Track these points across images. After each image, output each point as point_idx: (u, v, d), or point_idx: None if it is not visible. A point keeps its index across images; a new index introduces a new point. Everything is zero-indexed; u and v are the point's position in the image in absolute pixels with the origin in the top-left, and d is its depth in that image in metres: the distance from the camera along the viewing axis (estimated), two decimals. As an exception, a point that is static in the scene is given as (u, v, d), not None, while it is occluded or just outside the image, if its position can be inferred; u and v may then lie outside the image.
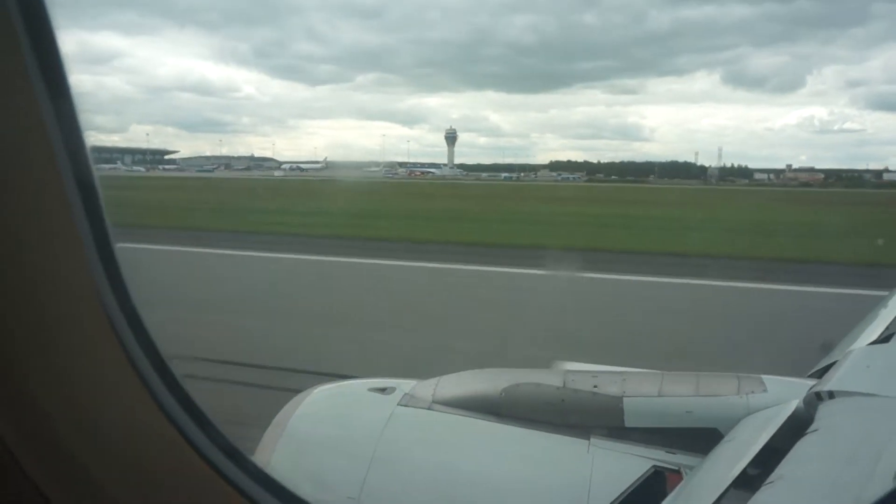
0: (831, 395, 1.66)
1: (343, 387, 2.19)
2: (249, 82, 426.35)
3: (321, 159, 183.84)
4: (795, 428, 1.58)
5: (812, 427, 1.55)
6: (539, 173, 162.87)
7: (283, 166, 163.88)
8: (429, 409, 1.92)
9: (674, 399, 1.88)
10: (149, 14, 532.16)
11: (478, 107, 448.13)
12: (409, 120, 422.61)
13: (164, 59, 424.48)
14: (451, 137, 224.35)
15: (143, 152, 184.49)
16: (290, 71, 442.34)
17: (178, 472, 0.89)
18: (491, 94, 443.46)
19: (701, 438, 1.78)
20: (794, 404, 1.72)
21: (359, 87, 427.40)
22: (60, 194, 0.76)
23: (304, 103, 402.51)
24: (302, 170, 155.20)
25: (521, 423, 1.87)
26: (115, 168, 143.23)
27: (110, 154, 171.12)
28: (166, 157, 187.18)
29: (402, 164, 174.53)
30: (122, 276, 0.84)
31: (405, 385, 2.03)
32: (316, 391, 2.07)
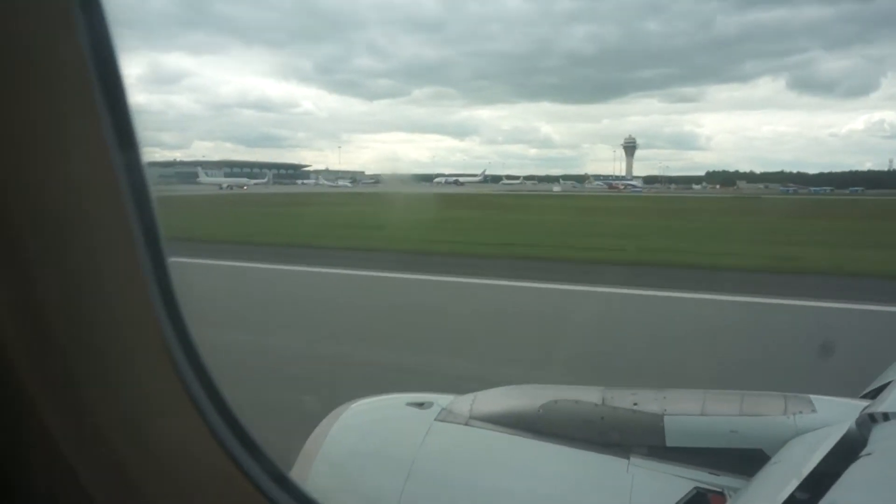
0: (886, 416, 1.58)
1: (380, 401, 2.18)
2: (308, 98, 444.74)
3: (479, 172, 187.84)
4: (847, 451, 1.50)
5: (865, 450, 1.47)
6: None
7: (437, 179, 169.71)
8: (466, 424, 1.91)
9: (717, 418, 1.82)
10: (218, 33, 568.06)
11: (529, 118, 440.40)
12: (460, 132, 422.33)
13: (229, 77, 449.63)
14: (630, 147, 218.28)
15: (282, 167, 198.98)
16: (349, 86, 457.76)
17: (227, 495, 0.92)
18: (545, 105, 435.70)
19: (746, 460, 1.72)
20: (845, 426, 1.63)
21: (414, 100, 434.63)
22: (117, 206, 0.78)
23: (359, 117, 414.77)
24: (460, 183, 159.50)
25: (560, 440, 1.84)
26: (306, 183, 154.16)
27: (259, 169, 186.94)
28: (302, 170, 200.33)
29: (597, 178, 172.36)
30: (177, 303, 0.86)
31: (442, 400, 2.02)
32: (354, 405, 2.07)
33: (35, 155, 0.72)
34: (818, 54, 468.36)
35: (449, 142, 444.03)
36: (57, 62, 0.72)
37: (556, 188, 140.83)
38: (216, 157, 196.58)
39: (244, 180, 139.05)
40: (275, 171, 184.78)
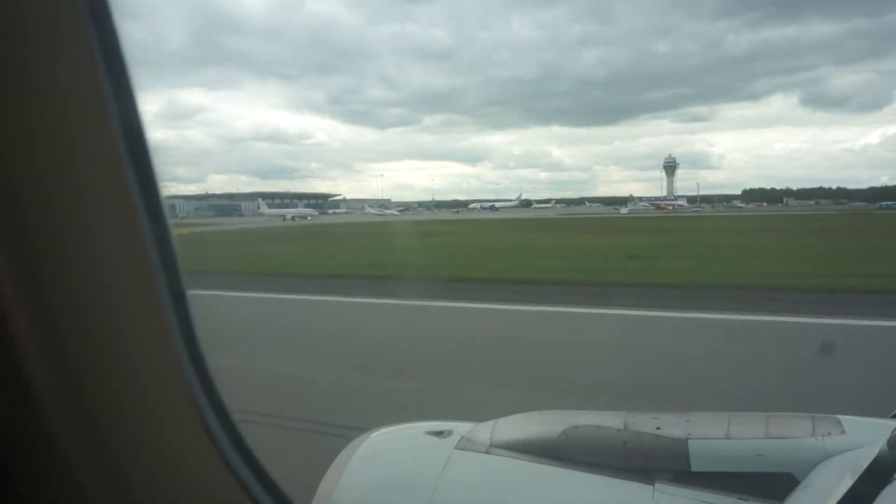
0: None
1: (400, 430, 2.16)
2: (321, 129, 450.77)
3: (515, 197, 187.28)
4: (879, 473, 1.47)
5: None
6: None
7: (473, 205, 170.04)
8: (486, 452, 1.88)
9: (743, 442, 1.78)
10: (233, 68, 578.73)
11: (540, 142, 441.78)
12: (471, 158, 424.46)
13: (243, 112, 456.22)
14: (670, 167, 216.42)
15: (311, 197, 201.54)
16: (361, 116, 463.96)
17: None
18: (556, 129, 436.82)
19: (774, 484, 1.68)
20: (877, 447, 1.57)
21: (425, 128, 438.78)
22: (139, 246, 0.82)
23: (370, 146, 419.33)
24: (495, 209, 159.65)
25: (582, 466, 1.81)
26: (337, 212, 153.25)
27: (284, 199, 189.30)
28: (329, 199, 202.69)
29: (643, 199, 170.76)
30: (198, 344, 0.89)
31: (462, 428, 2.00)
32: (373, 435, 2.06)
33: (59, 196, 0.75)
34: (830, 70, 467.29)
35: (460, 168, 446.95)
36: (79, 116, 0.76)
37: (624, 210, 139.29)
38: (231, 190, 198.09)
39: (308, 210, 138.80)
40: (305, 202, 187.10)
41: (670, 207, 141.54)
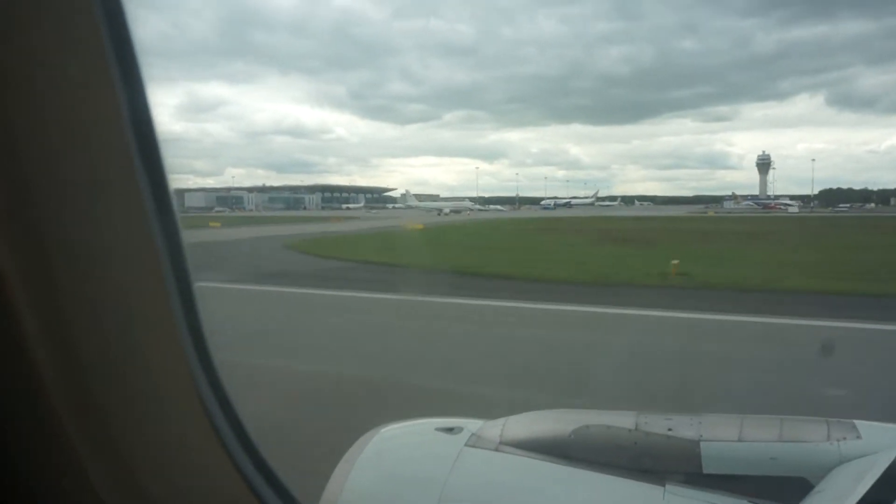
0: None
1: (409, 426, 2.17)
2: (340, 124, 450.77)
3: (591, 194, 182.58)
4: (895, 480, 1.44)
5: None
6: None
7: (544, 202, 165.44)
8: (496, 449, 1.87)
9: (756, 444, 1.73)
10: (255, 62, 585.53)
11: (558, 140, 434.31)
12: (489, 155, 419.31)
13: (264, 105, 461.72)
14: (764, 164, 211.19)
15: (370, 191, 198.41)
16: (381, 111, 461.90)
17: None
18: (576, 127, 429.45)
19: (787, 488, 1.63)
20: (893, 453, 1.54)
21: (445, 124, 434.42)
22: (148, 242, 0.81)
23: (389, 142, 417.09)
24: (570, 205, 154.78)
25: (592, 466, 1.78)
26: (397, 207, 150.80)
27: (343, 193, 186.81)
28: (384, 194, 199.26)
29: (747, 198, 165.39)
30: (204, 338, 0.89)
31: (472, 425, 1.98)
32: (382, 430, 2.05)
33: (68, 191, 0.75)
34: (859, 70, 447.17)
35: (477, 165, 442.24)
36: (93, 113, 0.76)
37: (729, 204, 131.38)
38: (247, 184, 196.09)
39: (466, 204, 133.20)
40: (365, 196, 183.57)
41: (774, 206, 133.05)
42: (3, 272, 0.72)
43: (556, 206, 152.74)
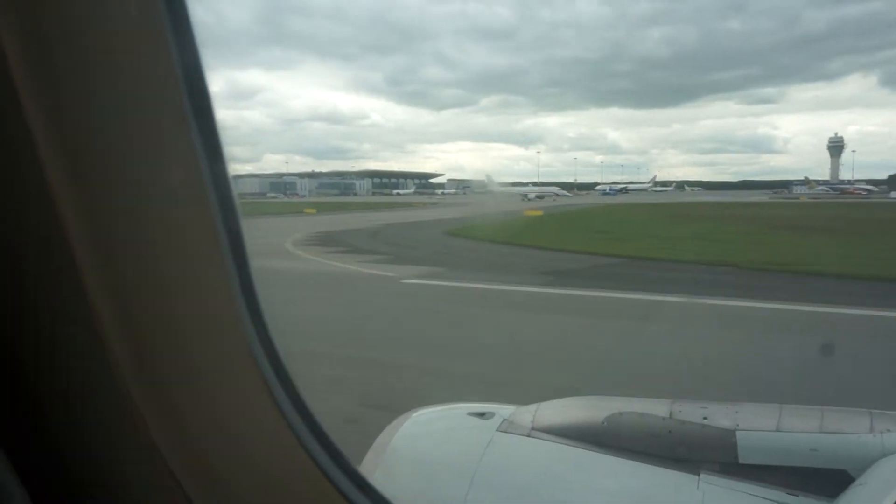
0: None
1: (442, 411, 2.18)
2: (376, 110, 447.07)
3: (648, 179, 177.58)
4: None
5: None
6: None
7: (599, 188, 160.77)
8: (528, 435, 1.87)
9: (795, 435, 1.69)
10: (294, 48, 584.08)
11: (595, 125, 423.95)
12: (525, 140, 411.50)
13: (301, 92, 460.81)
14: (836, 147, 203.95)
15: (417, 176, 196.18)
16: (417, 97, 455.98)
17: (308, 493, 0.98)
18: (615, 111, 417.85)
19: (827, 480, 1.60)
20: None
21: (481, 109, 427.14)
22: (205, 216, 0.82)
23: (424, 128, 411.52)
24: (626, 191, 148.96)
25: (625, 454, 1.77)
26: (446, 193, 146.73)
27: (391, 179, 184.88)
28: (431, 180, 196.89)
29: (820, 183, 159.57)
30: (258, 303, 0.90)
31: (504, 410, 1.98)
32: (416, 414, 2.06)
33: (133, 167, 0.78)
34: None
35: (513, 150, 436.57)
36: (152, 82, 0.77)
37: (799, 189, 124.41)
38: (283, 170, 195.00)
39: (552, 189, 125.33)
40: (415, 181, 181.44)
41: (861, 192, 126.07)
42: (77, 271, 0.76)
43: (613, 191, 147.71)
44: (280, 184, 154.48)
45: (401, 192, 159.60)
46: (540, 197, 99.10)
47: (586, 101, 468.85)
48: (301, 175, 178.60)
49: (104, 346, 0.79)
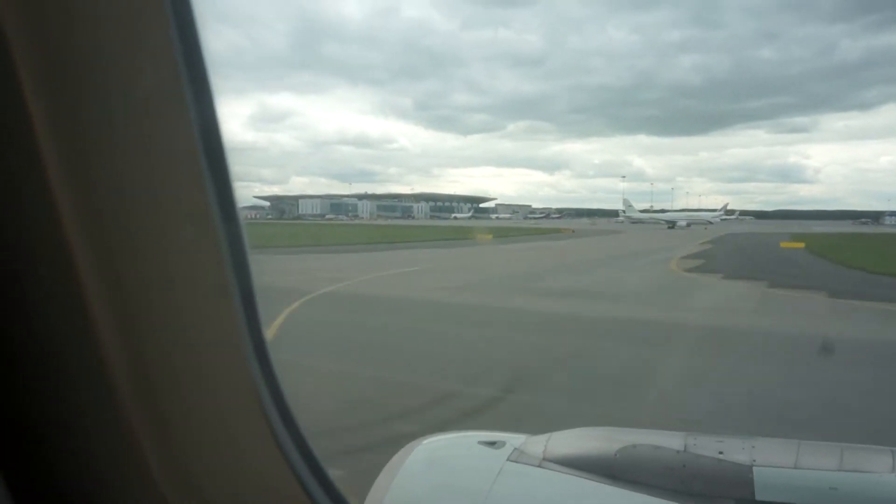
0: None
1: (452, 439, 2.19)
2: (404, 134, 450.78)
3: (720, 207, 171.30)
4: None
5: None
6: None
7: (679, 222, 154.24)
8: (539, 465, 1.84)
9: (814, 472, 1.64)
10: (325, 74, 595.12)
11: (622, 152, 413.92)
12: (550, 166, 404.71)
13: (330, 116, 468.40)
14: None
15: (469, 200, 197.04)
16: (445, 121, 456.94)
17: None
18: (641, 138, 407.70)
19: None
20: None
21: (508, 134, 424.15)
22: (209, 226, 0.82)
23: (450, 152, 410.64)
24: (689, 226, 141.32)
25: (638, 487, 1.73)
26: (500, 218, 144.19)
27: (445, 202, 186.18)
28: (481, 204, 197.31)
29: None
30: (256, 311, 0.91)
31: (515, 439, 1.97)
32: (425, 442, 2.05)
33: (133, 167, 0.78)
34: None
35: (538, 175, 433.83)
36: (154, 83, 0.78)
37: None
38: (310, 192, 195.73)
39: (704, 216, 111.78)
40: (470, 205, 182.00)
41: None
42: (77, 274, 0.77)
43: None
44: (340, 205, 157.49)
45: (457, 216, 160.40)
46: (688, 225, 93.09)
47: (612, 129, 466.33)
48: (360, 197, 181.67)
49: (98, 348, 0.80)
